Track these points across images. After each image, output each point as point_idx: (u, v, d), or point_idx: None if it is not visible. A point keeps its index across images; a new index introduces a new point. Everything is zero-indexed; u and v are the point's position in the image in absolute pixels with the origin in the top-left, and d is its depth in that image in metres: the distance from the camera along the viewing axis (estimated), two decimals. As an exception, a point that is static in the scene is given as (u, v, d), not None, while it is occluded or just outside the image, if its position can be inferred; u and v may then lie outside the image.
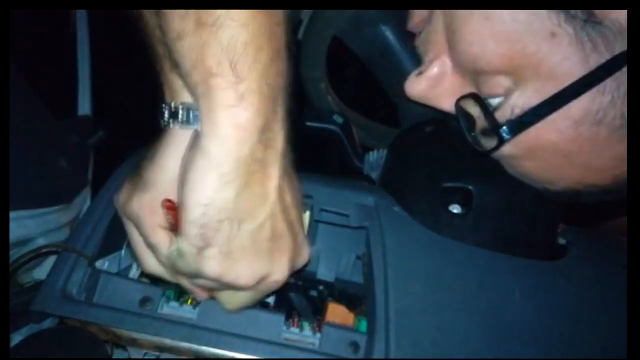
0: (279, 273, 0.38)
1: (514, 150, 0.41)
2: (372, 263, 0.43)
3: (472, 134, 0.41)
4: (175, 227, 0.36)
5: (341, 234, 0.48)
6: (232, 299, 0.40)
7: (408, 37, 0.56)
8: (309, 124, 0.57)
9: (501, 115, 0.39)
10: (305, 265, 0.41)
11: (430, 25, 0.44)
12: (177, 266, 0.36)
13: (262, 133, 0.33)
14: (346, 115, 0.59)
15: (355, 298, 0.48)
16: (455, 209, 0.46)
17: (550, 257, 0.46)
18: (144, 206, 0.37)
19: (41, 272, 0.51)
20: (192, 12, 0.31)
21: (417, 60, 0.48)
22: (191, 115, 0.36)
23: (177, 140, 0.37)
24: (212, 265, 0.35)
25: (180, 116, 0.36)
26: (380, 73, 0.59)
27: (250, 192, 0.34)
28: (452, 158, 0.45)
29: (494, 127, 0.39)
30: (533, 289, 0.44)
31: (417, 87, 0.44)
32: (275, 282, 0.38)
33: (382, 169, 0.56)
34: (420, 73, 0.44)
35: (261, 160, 0.34)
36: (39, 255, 0.45)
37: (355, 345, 0.40)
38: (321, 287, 0.50)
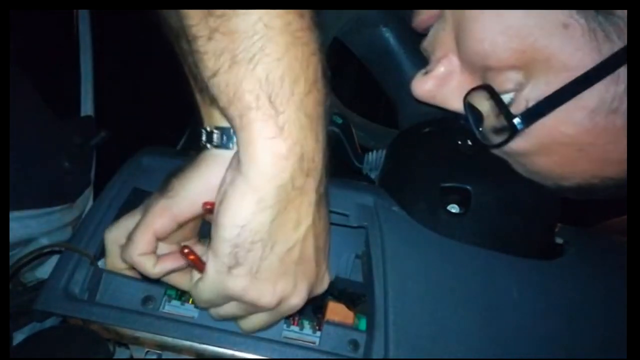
0: (299, 296, 0.38)
1: (527, 146, 0.40)
2: (371, 262, 0.44)
3: (481, 129, 0.41)
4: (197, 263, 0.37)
5: (341, 233, 0.48)
6: (249, 320, 0.40)
7: (408, 39, 0.56)
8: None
9: (514, 110, 0.39)
10: (324, 294, 0.41)
11: (439, 24, 0.44)
12: (198, 292, 0.37)
13: (301, 162, 0.33)
14: (346, 116, 0.59)
15: (355, 297, 0.48)
16: (454, 208, 0.47)
17: (547, 256, 0.47)
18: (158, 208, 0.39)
19: (44, 271, 0.52)
20: (227, 51, 0.31)
21: (417, 62, 0.48)
22: (224, 139, 0.37)
23: (211, 160, 0.38)
24: (239, 283, 0.35)
25: (215, 139, 0.38)
26: (380, 74, 0.60)
27: (286, 217, 0.34)
28: (451, 158, 0.45)
29: (507, 119, 0.39)
30: (530, 288, 0.44)
31: (424, 86, 0.44)
32: (294, 306, 0.38)
33: (382, 169, 0.56)
34: (427, 72, 0.44)
35: (300, 188, 0.34)
36: (41, 254, 0.45)
37: (354, 343, 0.41)
38: (321, 286, 0.50)
